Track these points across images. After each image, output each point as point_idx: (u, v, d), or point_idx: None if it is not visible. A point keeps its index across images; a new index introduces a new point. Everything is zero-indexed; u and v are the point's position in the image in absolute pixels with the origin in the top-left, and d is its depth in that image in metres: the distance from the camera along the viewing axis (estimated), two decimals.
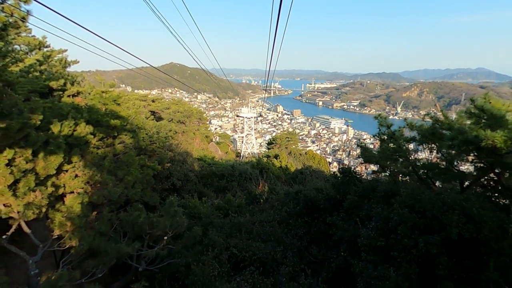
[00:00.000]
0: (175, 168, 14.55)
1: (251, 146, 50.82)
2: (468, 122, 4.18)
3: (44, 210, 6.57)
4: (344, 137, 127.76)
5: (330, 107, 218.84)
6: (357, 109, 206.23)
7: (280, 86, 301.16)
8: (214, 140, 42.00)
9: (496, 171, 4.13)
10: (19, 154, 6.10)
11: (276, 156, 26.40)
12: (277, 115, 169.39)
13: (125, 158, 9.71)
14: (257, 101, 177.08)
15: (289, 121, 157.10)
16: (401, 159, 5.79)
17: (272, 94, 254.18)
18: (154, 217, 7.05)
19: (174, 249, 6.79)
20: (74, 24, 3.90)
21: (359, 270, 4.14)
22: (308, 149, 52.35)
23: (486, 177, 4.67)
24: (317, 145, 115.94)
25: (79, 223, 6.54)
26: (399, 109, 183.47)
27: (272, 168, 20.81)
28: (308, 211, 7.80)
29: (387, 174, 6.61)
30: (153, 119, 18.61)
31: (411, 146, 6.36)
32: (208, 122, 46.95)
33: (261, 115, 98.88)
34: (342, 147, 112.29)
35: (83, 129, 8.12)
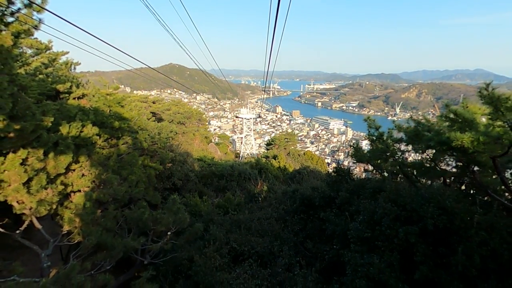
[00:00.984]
0: (176, 168, 14.94)
1: (250, 146, 51.23)
2: (445, 124, 4.60)
3: (54, 207, 6.98)
4: (343, 138, 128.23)
5: (329, 108, 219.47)
6: (356, 110, 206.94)
7: (279, 87, 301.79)
8: (213, 140, 42.37)
9: (472, 169, 4.55)
10: (32, 154, 6.50)
11: (274, 157, 26.81)
12: (276, 116, 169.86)
13: (128, 158, 10.11)
14: (256, 102, 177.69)
15: (288, 122, 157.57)
16: (390, 159, 6.21)
17: (271, 95, 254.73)
18: (158, 213, 7.44)
19: (177, 244, 7.18)
20: (73, 26, 4.08)
21: (348, 259, 4.55)
22: (307, 150, 52.74)
23: (465, 175, 5.09)
24: (316, 146, 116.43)
25: (87, 219, 6.94)
26: (397, 110, 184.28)
27: (270, 168, 21.21)
28: (304, 208, 8.20)
29: (378, 173, 7.03)
30: (154, 120, 18.99)
31: (404, 146, 6.78)
32: (207, 123, 47.35)
33: (260, 116, 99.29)
34: (341, 148, 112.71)
35: (90, 130, 8.51)
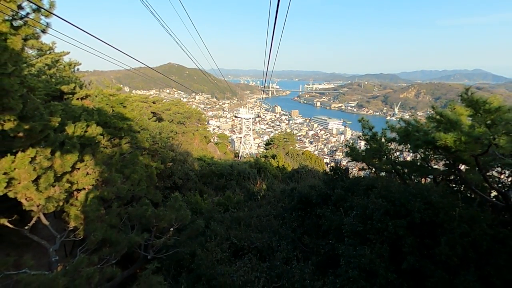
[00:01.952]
0: (177, 167, 15.21)
1: (249, 146, 51.49)
2: (432, 125, 4.89)
3: (61, 204, 7.25)
4: (342, 137, 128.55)
5: (328, 108, 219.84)
6: (355, 110, 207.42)
7: (278, 87, 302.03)
8: (212, 140, 42.60)
9: (458, 167, 4.85)
10: (40, 153, 6.76)
11: (273, 156, 27.08)
12: (275, 116, 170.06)
13: (130, 157, 10.38)
14: (255, 102, 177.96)
15: (287, 121, 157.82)
16: (383, 158, 6.50)
17: (270, 95, 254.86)
18: (160, 211, 7.71)
19: (179, 239, 7.46)
20: (72, 25, 4.11)
21: (342, 252, 4.85)
22: (305, 149, 53.06)
23: (452, 173, 5.39)
24: (315, 146, 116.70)
25: (93, 216, 7.21)
26: (396, 110, 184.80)
27: (269, 167, 21.50)
28: (302, 206, 8.49)
29: (372, 171, 7.33)
30: (154, 120, 19.25)
31: (400, 146, 7.06)
32: (206, 123, 47.54)
33: (259, 116, 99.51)
34: (340, 147, 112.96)
35: (94, 130, 8.78)
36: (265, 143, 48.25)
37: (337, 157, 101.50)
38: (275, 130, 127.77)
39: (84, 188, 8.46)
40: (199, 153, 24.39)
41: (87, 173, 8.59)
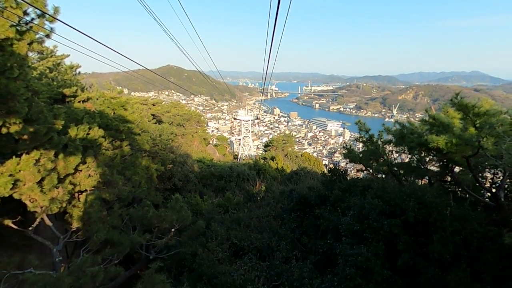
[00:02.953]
0: (176, 169, 15.34)
1: (248, 148, 51.64)
2: (426, 128, 5.06)
3: (64, 205, 7.38)
4: (341, 139, 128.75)
5: (326, 109, 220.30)
6: (354, 111, 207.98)
7: (277, 89, 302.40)
8: (211, 142, 42.73)
9: (452, 168, 5.02)
10: (44, 155, 6.90)
11: (272, 158, 27.26)
12: (274, 118, 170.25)
13: (131, 159, 10.52)
14: (254, 104, 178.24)
15: (286, 123, 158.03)
16: (380, 159, 6.67)
17: (269, 97, 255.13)
18: (161, 212, 7.85)
19: (181, 240, 7.60)
20: (71, 28, 4.16)
21: (339, 251, 5.00)
22: (304, 151, 53.20)
23: (446, 174, 5.56)
24: (313, 147, 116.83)
25: (96, 217, 7.34)
26: (395, 111, 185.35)
27: (268, 169, 21.65)
28: (301, 207, 8.64)
29: (370, 173, 7.50)
30: (154, 122, 19.39)
31: (396, 148, 7.23)
32: (205, 125, 47.67)
33: (258, 118, 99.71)
34: (339, 149, 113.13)
35: (96, 132, 8.92)
36: (264, 145, 48.42)
37: (335, 158, 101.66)
38: (274, 132, 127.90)
39: (86, 190, 8.59)
40: (198, 155, 24.54)
41: (89, 175, 8.71)
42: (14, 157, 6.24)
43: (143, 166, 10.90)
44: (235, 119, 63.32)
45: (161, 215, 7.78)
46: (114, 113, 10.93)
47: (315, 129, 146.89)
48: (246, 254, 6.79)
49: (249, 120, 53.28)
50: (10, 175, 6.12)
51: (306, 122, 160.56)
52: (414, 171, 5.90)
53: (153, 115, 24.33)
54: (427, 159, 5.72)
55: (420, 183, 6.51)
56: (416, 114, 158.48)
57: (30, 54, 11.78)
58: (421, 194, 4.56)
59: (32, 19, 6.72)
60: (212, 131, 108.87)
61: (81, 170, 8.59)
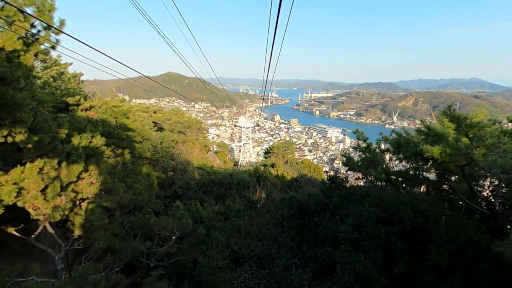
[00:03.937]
0: (177, 176, 15.43)
1: (249, 155, 51.74)
2: (422, 137, 5.18)
3: (67, 213, 7.47)
4: (341, 146, 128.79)
5: (326, 116, 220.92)
6: (354, 118, 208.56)
7: (277, 96, 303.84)
8: (212, 149, 42.84)
9: (448, 177, 5.12)
10: (48, 163, 7.02)
11: (273, 165, 27.36)
12: (274, 124, 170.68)
13: (133, 167, 10.64)
14: (255, 110, 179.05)
15: (286, 130, 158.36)
16: (378, 168, 6.78)
17: (269, 104, 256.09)
18: (162, 219, 7.93)
19: (181, 247, 7.66)
20: (71, 38, 4.27)
21: (338, 258, 5.07)
22: (305, 158, 53.23)
23: (443, 182, 5.67)
24: (314, 154, 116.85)
25: (97, 225, 7.42)
26: (395, 118, 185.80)
27: (269, 176, 21.72)
28: (301, 214, 8.71)
29: (368, 180, 7.60)
30: (156, 130, 19.56)
31: (395, 156, 7.35)
32: (206, 132, 47.86)
33: (258, 125, 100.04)
34: (339, 156, 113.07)
35: (98, 141, 9.05)
36: (264, 151, 48.49)
37: (336, 165, 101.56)
38: (274, 138, 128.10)
39: (88, 198, 8.69)
40: (199, 162, 24.64)
41: (91, 183, 8.81)
42: (18, 165, 6.36)
43: (144, 173, 11.01)
44: (235, 125, 63.59)
45: (162, 222, 7.86)
46: (116, 121, 11.09)
47: (315, 136, 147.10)
48: (246, 261, 6.85)
49: (249, 127, 53.48)
50: (15, 183, 6.23)
51: (307, 129, 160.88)
52: (412, 179, 6.01)
53: (154, 122, 24.53)
54: (425, 167, 5.83)
55: (418, 191, 6.60)
56: (416, 121, 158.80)
57: (34, 63, 12.02)
58: (418, 203, 4.66)
59: (39, 31, 6.92)
60: (213, 137, 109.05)
61: (83, 178, 8.70)
